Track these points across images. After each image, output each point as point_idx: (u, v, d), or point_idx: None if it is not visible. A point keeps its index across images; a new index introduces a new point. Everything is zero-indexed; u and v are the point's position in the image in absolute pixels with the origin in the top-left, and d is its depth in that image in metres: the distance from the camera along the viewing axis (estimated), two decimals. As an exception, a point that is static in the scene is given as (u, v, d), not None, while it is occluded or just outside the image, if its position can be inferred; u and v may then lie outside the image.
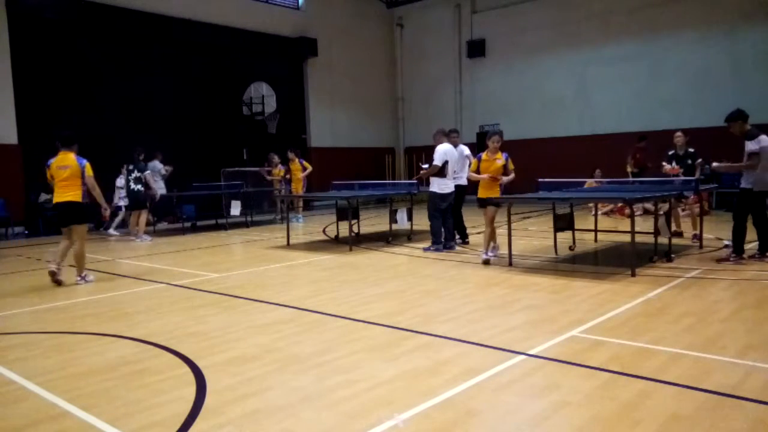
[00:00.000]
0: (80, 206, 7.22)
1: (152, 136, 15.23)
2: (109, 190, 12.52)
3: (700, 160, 9.21)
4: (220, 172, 15.64)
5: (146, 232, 11.96)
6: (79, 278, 7.27)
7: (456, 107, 20.39)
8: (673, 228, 8.44)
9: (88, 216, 7.63)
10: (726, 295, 5.67)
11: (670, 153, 9.40)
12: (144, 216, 11.84)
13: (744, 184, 6.99)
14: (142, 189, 11.71)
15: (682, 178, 8.92)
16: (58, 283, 7.10)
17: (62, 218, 7.25)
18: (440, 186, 8.74)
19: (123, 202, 12.62)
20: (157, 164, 14.46)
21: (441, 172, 8.71)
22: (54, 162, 7.20)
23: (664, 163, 9.48)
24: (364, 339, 4.55)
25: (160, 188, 14.26)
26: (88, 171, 7.27)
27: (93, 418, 3.23)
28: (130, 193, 11.82)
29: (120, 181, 12.61)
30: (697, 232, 8.64)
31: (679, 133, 9.39)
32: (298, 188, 14.12)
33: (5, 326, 5.36)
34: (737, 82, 14.84)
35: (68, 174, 7.14)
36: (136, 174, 11.71)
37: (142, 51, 15.64)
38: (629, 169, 13.90)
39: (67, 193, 7.11)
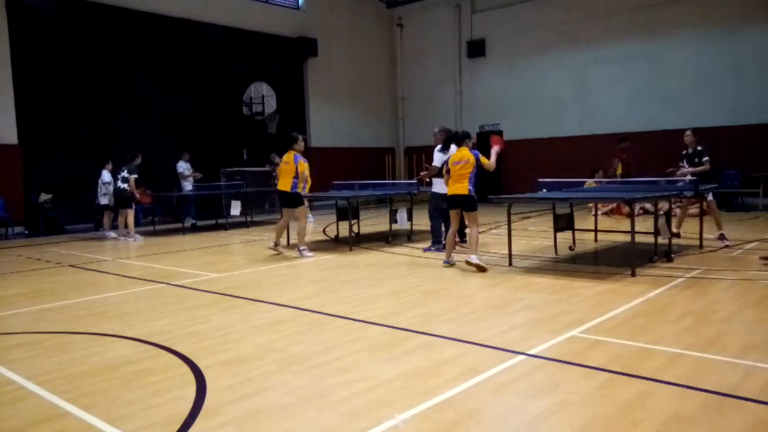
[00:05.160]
0: (290, 195, 8.88)
1: (152, 135, 15.26)
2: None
3: (707, 158, 9.08)
4: (220, 172, 15.64)
5: (137, 232, 12.06)
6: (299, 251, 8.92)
7: (456, 107, 20.40)
8: (673, 229, 8.42)
9: (300, 200, 8.98)
10: (726, 295, 5.67)
11: (684, 153, 9.28)
12: (131, 216, 11.84)
13: None
14: (128, 188, 11.68)
15: (690, 177, 8.83)
16: (278, 252, 9.02)
17: (281, 203, 9.40)
18: (442, 186, 8.73)
19: (109, 200, 12.39)
20: (182, 164, 14.57)
21: (440, 172, 8.70)
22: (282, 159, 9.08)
23: (680, 164, 9.36)
24: (364, 339, 4.55)
25: (186, 188, 14.43)
26: (300, 167, 8.79)
27: (93, 418, 3.23)
28: (117, 192, 11.82)
29: (106, 176, 12.32)
30: (723, 231, 8.61)
31: (688, 132, 9.18)
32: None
33: (5, 326, 5.36)
34: (737, 82, 14.84)
35: (287, 169, 8.89)
36: (124, 174, 11.67)
37: (142, 51, 15.64)
38: (618, 172, 13.86)
39: (282, 182, 8.97)
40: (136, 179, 11.74)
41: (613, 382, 3.50)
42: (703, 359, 3.85)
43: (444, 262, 7.61)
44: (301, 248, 8.88)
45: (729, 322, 4.71)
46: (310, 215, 14.46)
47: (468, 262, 7.16)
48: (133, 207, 12.03)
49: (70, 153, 14.16)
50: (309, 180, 9.03)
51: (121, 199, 11.83)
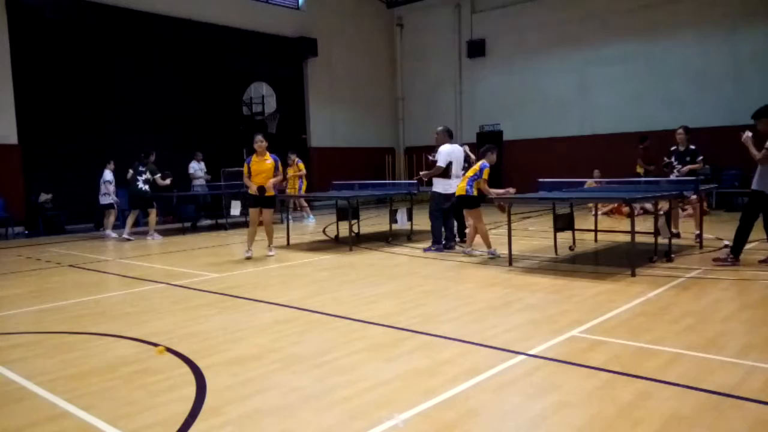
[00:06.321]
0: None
1: (152, 135, 15.23)
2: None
3: (701, 158, 9.13)
4: (220, 172, 15.64)
5: (134, 232, 12.09)
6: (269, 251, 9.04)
7: (456, 107, 20.40)
8: (672, 229, 8.42)
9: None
10: (726, 295, 5.67)
11: (672, 149, 9.39)
12: (154, 215, 11.89)
13: (754, 185, 6.88)
14: (148, 190, 11.64)
15: (680, 178, 8.90)
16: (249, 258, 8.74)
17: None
18: (444, 186, 8.72)
19: (111, 200, 12.28)
20: (193, 165, 14.65)
21: (445, 172, 8.69)
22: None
23: (668, 160, 9.45)
24: (364, 339, 4.55)
25: (199, 186, 14.61)
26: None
27: (93, 418, 3.23)
28: (137, 193, 11.64)
29: (108, 176, 12.20)
30: (698, 231, 8.64)
31: (680, 130, 9.31)
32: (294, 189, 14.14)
33: (5, 326, 5.36)
34: (737, 82, 14.84)
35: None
36: (147, 176, 11.61)
37: (142, 51, 15.63)
38: (639, 170, 13.83)
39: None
40: (161, 176, 11.82)
41: (613, 382, 3.50)
42: (703, 359, 3.85)
43: (489, 254, 8.04)
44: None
45: (729, 322, 4.71)
46: (311, 216, 14.48)
47: (492, 256, 7.94)
48: (155, 206, 11.98)
49: (70, 153, 14.15)
50: (250, 182, 8.63)
51: (142, 200, 11.74)
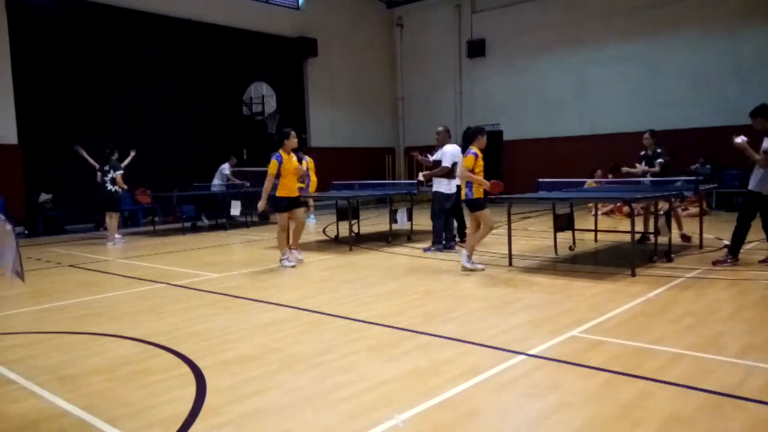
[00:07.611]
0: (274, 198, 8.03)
1: (152, 135, 15.25)
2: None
3: (660, 161, 8.99)
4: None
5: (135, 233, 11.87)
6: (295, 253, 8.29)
7: (456, 107, 20.40)
8: (674, 229, 8.42)
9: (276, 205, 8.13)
10: (726, 295, 5.67)
11: (642, 153, 9.37)
12: (115, 219, 11.39)
13: (752, 186, 6.89)
14: (119, 190, 11.23)
15: (650, 178, 8.92)
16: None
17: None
18: (446, 186, 8.69)
19: None
20: (225, 167, 14.66)
21: (450, 172, 8.66)
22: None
23: (637, 165, 9.44)
24: (364, 339, 4.55)
25: (216, 187, 14.51)
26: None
27: (93, 418, 3.23)
28: (107, 194, 11.22)
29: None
30: (684, 231, 8.71)
31: (646, 134, 9.29)
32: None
33: (5, 326, 5.36)
34: (737, 82, 14.84)
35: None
36: (112, 174, 11.15)
37: (142, 51, 15.64)
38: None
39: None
40: (122, 175, 11.20)
41: (613, 382, 3.50)
42: (703, 359, 3.84)
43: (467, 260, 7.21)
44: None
45: (729, 322, 4.71)
46: (311, 216, 14.48)
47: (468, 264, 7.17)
48: (119, 211, 11.47)
49: (70, 153, 14.08)
50: (271, 181, 7.87)
51: (111, 201, 11.27)
